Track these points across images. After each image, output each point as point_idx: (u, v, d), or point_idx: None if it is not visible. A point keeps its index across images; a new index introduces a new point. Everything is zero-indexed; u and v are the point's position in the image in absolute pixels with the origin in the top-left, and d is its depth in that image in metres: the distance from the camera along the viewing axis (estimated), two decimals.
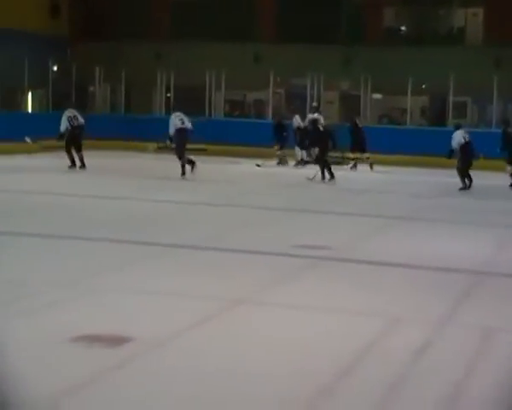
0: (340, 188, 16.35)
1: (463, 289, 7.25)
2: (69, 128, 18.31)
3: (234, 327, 5.78)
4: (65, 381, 4.45)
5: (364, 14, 28.93)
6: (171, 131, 17.42)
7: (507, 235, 10.71)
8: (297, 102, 26.67)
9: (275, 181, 17.81)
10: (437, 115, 26.82)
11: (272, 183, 17.40)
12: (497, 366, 5.10)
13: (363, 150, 21.02)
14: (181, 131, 17.33)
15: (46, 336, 5.30)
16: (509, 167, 16.73)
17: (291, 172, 20.14)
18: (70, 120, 18.41)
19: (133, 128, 25.32)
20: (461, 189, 15.98)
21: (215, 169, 19.97)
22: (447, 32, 29.36)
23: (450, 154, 16.49)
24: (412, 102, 25.20)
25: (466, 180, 16.10)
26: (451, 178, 17.42)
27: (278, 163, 21.58)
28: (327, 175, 17.09)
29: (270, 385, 4.56)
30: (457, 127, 17.01)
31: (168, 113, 27.41)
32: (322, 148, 17.51)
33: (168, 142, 17.69)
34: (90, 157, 18.99)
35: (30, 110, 28.61)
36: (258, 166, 20.51)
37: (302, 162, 21.01)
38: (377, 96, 27.26)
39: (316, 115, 20.58)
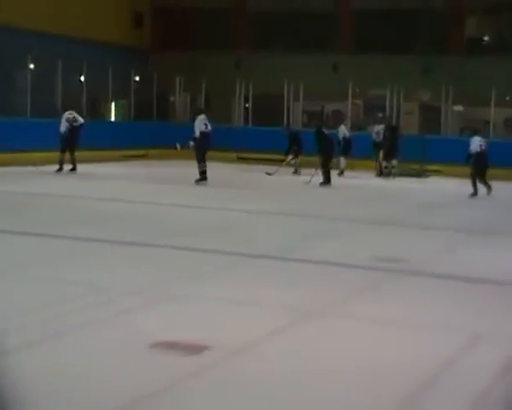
0: (418, 201, 16.10)
1: None
2: (68, 129, 18.55)
3: (310, 338, 5.76)
4: (143, 387, 4.53)
5: (445, 23, 28.50)
6: (197, 133, 17.50)
7: None
8: (375, 112, 26.46)
9: (347, 193, 17.70)
10: None
11: (345, 194, 17.30)
12: None
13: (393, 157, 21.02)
14: (204, 135, 17.41)
15: (124, 343, 5.40)
16: None
17: (363, 183, 19.98)
18: (69, 121, 18.68)
19: (213, 138, 25.59)
20: (471, 195, 16.26)
21: (289, 180, 20.00)
22: None
23: (468, 159, 16.58)
24: (495, 114, 24.63)
25: (482, 186, 16.34)
26: None
27: (294, 172, 21.33)
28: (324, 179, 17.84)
29: (345, 399, 4.53)
30: (474, 133, 17.29)
31: (246, 123, 27.75)
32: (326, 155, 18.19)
33: (191, 143, 17.69)
34: (169, 166, 19.32)
35: (113, 119, 29.35)
36: (268, 174, 20.23)
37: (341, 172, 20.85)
38: (458, 107, 26.78)
39: (380, 127, 20.71)
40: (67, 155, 18.49)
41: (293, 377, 4.86)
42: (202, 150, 17.43)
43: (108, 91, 27.03)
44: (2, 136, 20.74)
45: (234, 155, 24.92)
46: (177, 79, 28.84)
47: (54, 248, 9.11)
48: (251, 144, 25.26)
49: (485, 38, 29.93)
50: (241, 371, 4.93)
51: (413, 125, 26.36)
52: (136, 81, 28.25)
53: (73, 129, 18.63)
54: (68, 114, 18.80)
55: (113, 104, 29.22)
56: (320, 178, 18.07)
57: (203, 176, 17.39)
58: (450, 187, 19.45)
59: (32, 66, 23.55)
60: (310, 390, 4.65)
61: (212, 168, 21.02)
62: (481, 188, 16.38)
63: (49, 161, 19.24)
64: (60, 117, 19.00)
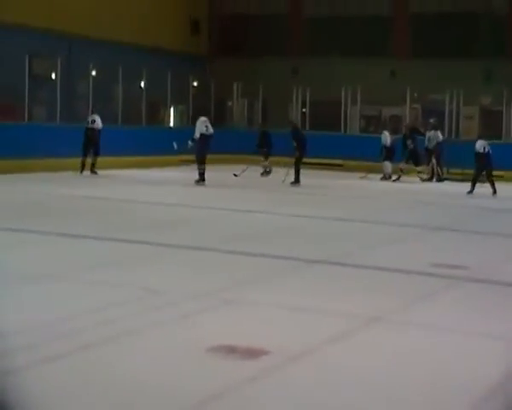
0: (478, 206, 15.82)
1: None
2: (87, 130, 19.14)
3: (369, 346, 5.70)
4: (201, 392, 4.54)
5: (506, 27, 27.96)
6: (197, 135, 17.76)
7: None
8: (434, 117, 26.11)
9: (406, 197, 17.50)
10: None
11: (404, 199, 17.11)
12: None
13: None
14: (205, 138, 17.61)
15: (182, 346, 5.42)
16: None
17: (421, 187, 19.73)
18: (87, 123, 19.24)
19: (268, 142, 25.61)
20: (468, 192, 17.67)
21: (348, 185, 19.88)
22: None
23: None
24: None
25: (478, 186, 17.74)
26: None
27: (262, 173, 21.27)
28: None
29: (402, 407, 4.47)
30: (479, 137, 18.63)
31: (304, 128, 27.72)
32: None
33: (189, 143, 17.97)
34: (226, 170, 19.37)
35: (172, 125, 29.66)
36: (235, 175, 20.19)
37: (395, 176, 20.76)
38: None
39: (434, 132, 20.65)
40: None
41: (349, 385, 4.82)
42: (202, 152, 17.66)
43: (167, 98, 27.33)
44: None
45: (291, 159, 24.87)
46: (235, 85, 28.97)
47: (113, 251, 9.24)
48: (309, 150, 25.21)
49: None
50: (298, 378, 4.90)
51: (473, 131, 25.91)
52: (194, 87, 28.51)
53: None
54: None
55: (171, 110, 29.53)
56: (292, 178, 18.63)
57: (202, 177, 17.86)
58: (510, 192, 19.05)
59: (93, 73, 23.99)
60: (368, 398, 4.60)
61: (275, 173, 21.12)
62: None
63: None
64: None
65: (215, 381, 4.74)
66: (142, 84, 26.22)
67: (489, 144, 18.03)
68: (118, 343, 5.47)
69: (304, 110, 28.01)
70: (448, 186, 20.30)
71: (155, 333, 5.74)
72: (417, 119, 27.96)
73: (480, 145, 17.85)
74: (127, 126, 24.66)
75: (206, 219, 12.58)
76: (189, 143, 18.08)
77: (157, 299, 6.75)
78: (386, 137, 21.83)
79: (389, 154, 21.47)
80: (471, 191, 17.77)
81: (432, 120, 22.93)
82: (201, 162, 17.89)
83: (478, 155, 17.82)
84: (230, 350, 5.30)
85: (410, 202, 16.55)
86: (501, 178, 20.94)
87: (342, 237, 11.02)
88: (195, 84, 28.72)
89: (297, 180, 18.82)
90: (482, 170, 17.90)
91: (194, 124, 18.70)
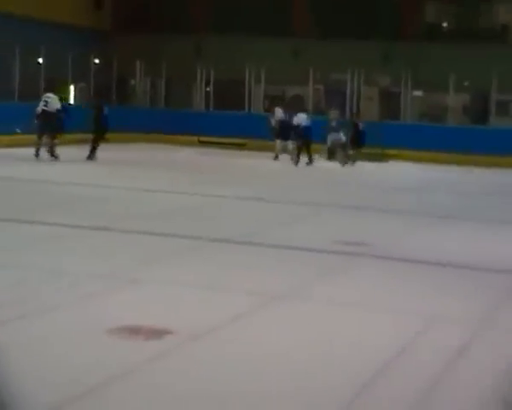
0: (384, 185, 16.23)
1: (504, 290, 7.14)
2: (40, 112, 18.08)
3: (272, 323, 5.77)
4: (101, 372, 4.47)
5: (404, 10, 28.66)
6: (38, 110, 17.63)
7: None
8: (336, 97, 26.55)
9: (311, 177, 17.77)
10: (479, 113, 26.47)
11: (309, 178, 17.35)
12: None
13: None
14: (45, 114, 17.56)
15: (85, 327, 5.33)
16: None
17: (328, 167, 20.07)
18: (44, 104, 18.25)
19: (173, 122, 25.48)
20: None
21: (252, 164, 19.98)
22: (490, 29, 28.94)
23: None
24: (454, 100, 24.90)
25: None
26: (493, 177, 17.23)
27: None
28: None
29: (306, 381, 4.54)
30: (301, 111, 20.63)
31: (207, 107, 27.63)
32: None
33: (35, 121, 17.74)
34: (130, 150, 19.13)
35: (72, 102, 28.92)
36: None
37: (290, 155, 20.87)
38: (418, 93, 27.00)
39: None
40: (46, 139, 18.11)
41: (251, 362, 4.85)
42: (40, 129, 17.53)
43: (68, 74, 26.63)
44: None
45: (195, 138, 24.84)
46: (138, 63, 28.54)
47: (19, 233, 8.96)
48: (212, 128, 25.20)
49: (444, 25, 30.19)
50: (202, 356, 4.90)
51: (373, 111, 26.51)
52: (95, 64, 27.88)
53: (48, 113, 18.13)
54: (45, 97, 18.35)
55: (72, 87, 28.79)
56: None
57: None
58: (410, 171, 19.65)
59: None
60: (266, 376, 4.64)
61: (175, 152, 20.99)
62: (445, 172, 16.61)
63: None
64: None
65: (116, 362, 4.68)
66: (41, 60, 25.42)
67: (310, 118, 19.99)
68: (21, 323, 5.32)
69: (208, 89, 27.91)
70: (363, 165, 20.65)
71: (58, 314, 5.62)
72: (320, 99, 28.36)
73: (301, 119, 19.85)
74: (24, 103, 23.84)
75: (106, 198, 12.36)
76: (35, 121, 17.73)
77: (62, 280, 6.59)
78: (279, 114, 21.83)
79: (282, 132, 21.29)
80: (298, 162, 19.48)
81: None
82: (39, 137, 17.44)
83: (298, 127, 19.68)
84: (134, 331, 5.24)
85: (314, 181, 16.80)
86: (395, 156, 21.55)
87: (245, 216, 11.08)
88: (97, 61, 28.09)
89: (91, 156, 18.32)
90: (302, 141, 19.58)
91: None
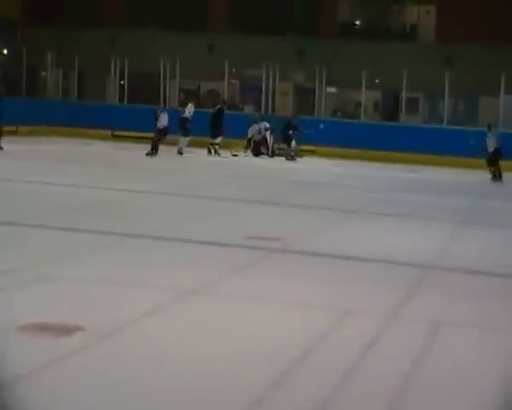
0: (294, 181, 16.41)
1: (413, 283, 7.36)
2: None
3: (185, 317, 5.76)
4: (8, 371, 4.37)
5: (318, 7, 29.04)
6: None
7: (456, 230, 10.90)
8: (252, 92, 26.67)
9: (229, 172, 17.80)
10: (390, 110, 27.10)
11: (226, 174, 17.38)
12: (443, 358, 5.20)
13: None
14: None
15: None
16: None
17: (245, 162, 20.16)
18: None
19: (86, 115, 25.00)
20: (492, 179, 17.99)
21: (169, 159, 19.85)
22: (401, 29, 29.68)
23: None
24: (366, 97, 25.41)
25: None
26: (403, 173, 17.70)
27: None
28: None
29: (217, 376, 4.56)
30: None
31: (122, 100, 27.27)
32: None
33: None
34: (40, 143, 18.69)
35: None
36: None
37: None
38: (331, 89, 27.41)
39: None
40: None
41: (161, 357, 4.85)
42: None
43: None
44: None
45: (108, 132, 24.48)
46: (49, 54, 27.86)
47: None
48: (126, 122, 24.87)
49: (357, 23, 30.76)
50: (113, 352, 4.86)
51: (288, 107, 26.75)
52: (3, 55, 27.05)
53: None
54: None
55: None
56: None
57: None
58: (323, 167, 19.94)
59: None
60: (179, 373, 4.64)
61: (87, 145, 20.62)
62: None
63: None
64: None
65: (26, 359, 4.58)
66: None
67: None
68: None
69: (122, 82, 27.52)
70: (269, 161, 20.83)
71: None
72: (236, 94, 28.42)
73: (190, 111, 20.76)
74: None
75: (14, 192, 12.02)
76: None
77: None
78: (188, 110, 21.59)
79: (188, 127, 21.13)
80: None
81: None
82: None
83: (184, 119, 20.51)
84: (44, 328, 5.14)
85: (227, 176, 16.83)
86: (312, 152, 21.88)
87: (159, 212, 11.01)
88: (5, 51, 27.27)
89: None
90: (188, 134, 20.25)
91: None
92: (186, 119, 21.34)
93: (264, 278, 7.17)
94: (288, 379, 4.61)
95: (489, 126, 18.59)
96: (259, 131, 21.88)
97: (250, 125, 22.07)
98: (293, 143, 21.42)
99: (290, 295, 6.59)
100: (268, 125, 21.98)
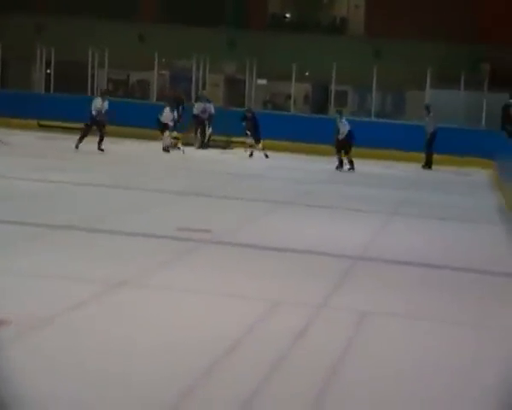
0: (226, 173, 16.39)
1: (340, 274, 7.45)
2: None
3: (113, 310, 5.70)
4: None
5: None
6: None
7: (384, 221, 11.09)
8: (182, 83, 26.49)
9: (159, 163, 17.66)
10: (319, 103, 27.36)
11: (161, 166, 17.23)
12: (370, 348, 5.28)
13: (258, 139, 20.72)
14: None
15: None
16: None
17: (186, 154, 20.02)
18: None
19: (10, 104, 24.34)
20: (336, 168, 17.79)
21: (94, 149, 19.53)
22: (330, 22, 30.01)
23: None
24: (296, 89, 25.57)
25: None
26: (331, 165, 17.89)
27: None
28: None
29: (145, 367, 4.52)
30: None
31: (48, 89, 26.68)
32: None
33: None
34: None
35: None
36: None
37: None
38: (262, 81, 27.49)
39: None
40: None
41: (90, 350, 4.78)
42: None
43: None
44: None
45: (34, 121, 23.91)
46: None
47: None
48: (53, 112, 24.35)
49: (287, 15, 30.93)
50: (40, 346, 4.77)
51: (218, 98, 26.69)
52: None
53: None
54: None
55: None
56: None
57: None
58: (253, 159, 19.97)
59: None
60: (107, 365, 4.58)
61: (11, 135, 20.07)
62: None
63: None
64: None
65: None
66: None
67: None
68: None
69: (48, 71, 26.93)
70: (208, 153, 20.69)
71: None
72: (165, 85, 28.20)
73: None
74: None
75: None
76: None
77: None
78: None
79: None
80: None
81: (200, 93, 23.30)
82: None
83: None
84: None
85: (158, 168, 16.68)
86: (240, 144, 21.78)
87: (90, 203, 10.84)
88: None
89: None
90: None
91: None
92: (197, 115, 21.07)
93: (195, 269, 7.14)
94: (217, 370, 4.60)
95: (339, 113, 18.69)
96: (204, 110, 21.51)
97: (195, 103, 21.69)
98: (210, 130, 21.31)
99: (220, 286, 6.58)
100: (213, 110, 21.58)
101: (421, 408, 4.35)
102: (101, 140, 18.62)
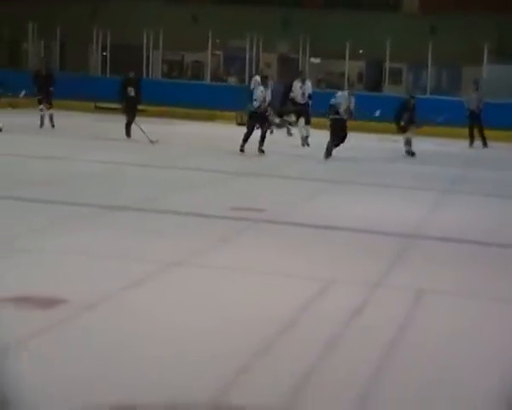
0: (280, 153, 16.32)
1: (396, 252, 7.38)
2: None
3: (169, 289, 5.75)
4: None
5: None
6: None
7: (439, 199, 10.93)
8: (236, 63, 26.50)
9: (213, 144, 17.70)
10: (373, 81, 27.02)
11: (210, 146, 17.28)
12: (427, 326, 5.22)
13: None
14: None
15: None
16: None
17: (227, 135, 20.04)
18: None
19: (68, 87, 24.71)
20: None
21: (153, 130, 19.71)
22: None
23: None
24: (350, 67, 25.31)
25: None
26: (388, 143, 17.68)
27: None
28: None
29: (203, 345, 4.57)
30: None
31: (104, 72, 27.03)
32: None
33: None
34: (22, 115, 18.49)
35: None
36: None
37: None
38: (316, 59, 27.29)
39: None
40: None
41: (147, 330, 4.83)
42: None
43: None
44: None
45: (92, 104, 24.26)
46: (30, 26, 27.50)
47: None
48: (109, 94, 24.64)
49: None
50: (96, 325, 4.84)
51: (272, 78, 26.57)
52: None
53: None
54: None
55: None
56: None
57: None
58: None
59: None
60: (166, 343, 4.64)
61: (69, 117, 20.41)
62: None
63: None
64: None
65: (7, 332, 4.54)
66: None
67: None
68: None
69: (104, 53, 27.25)
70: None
71: None
72: (219, 65, 28.24)
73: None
74: None
75: (2, 165, 11.93)
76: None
77: None
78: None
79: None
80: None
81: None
82: None
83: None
84: (25, 300, 5.11)
85: (213, 150, 16.73)
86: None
87: (142, 183, 10.95)
88: None
89: None
90: None
91: None
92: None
93: (249, 248, 7.16)
94: (273, 348, 4.61)
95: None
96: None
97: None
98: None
99: (275, 265, 6.58)
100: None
101: (475, 391, 4.28)
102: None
